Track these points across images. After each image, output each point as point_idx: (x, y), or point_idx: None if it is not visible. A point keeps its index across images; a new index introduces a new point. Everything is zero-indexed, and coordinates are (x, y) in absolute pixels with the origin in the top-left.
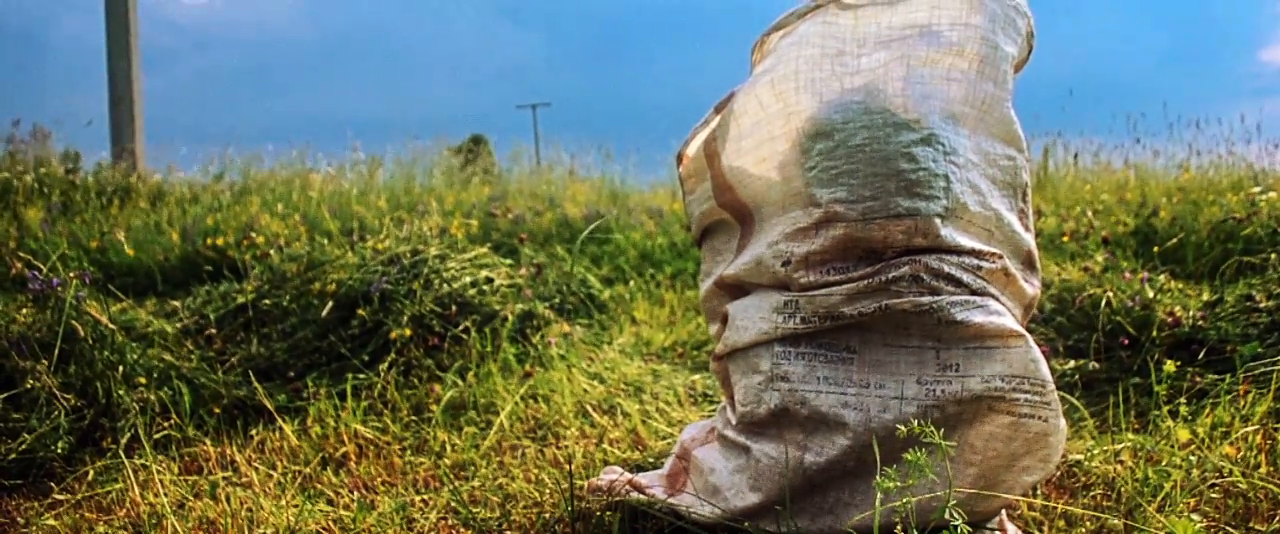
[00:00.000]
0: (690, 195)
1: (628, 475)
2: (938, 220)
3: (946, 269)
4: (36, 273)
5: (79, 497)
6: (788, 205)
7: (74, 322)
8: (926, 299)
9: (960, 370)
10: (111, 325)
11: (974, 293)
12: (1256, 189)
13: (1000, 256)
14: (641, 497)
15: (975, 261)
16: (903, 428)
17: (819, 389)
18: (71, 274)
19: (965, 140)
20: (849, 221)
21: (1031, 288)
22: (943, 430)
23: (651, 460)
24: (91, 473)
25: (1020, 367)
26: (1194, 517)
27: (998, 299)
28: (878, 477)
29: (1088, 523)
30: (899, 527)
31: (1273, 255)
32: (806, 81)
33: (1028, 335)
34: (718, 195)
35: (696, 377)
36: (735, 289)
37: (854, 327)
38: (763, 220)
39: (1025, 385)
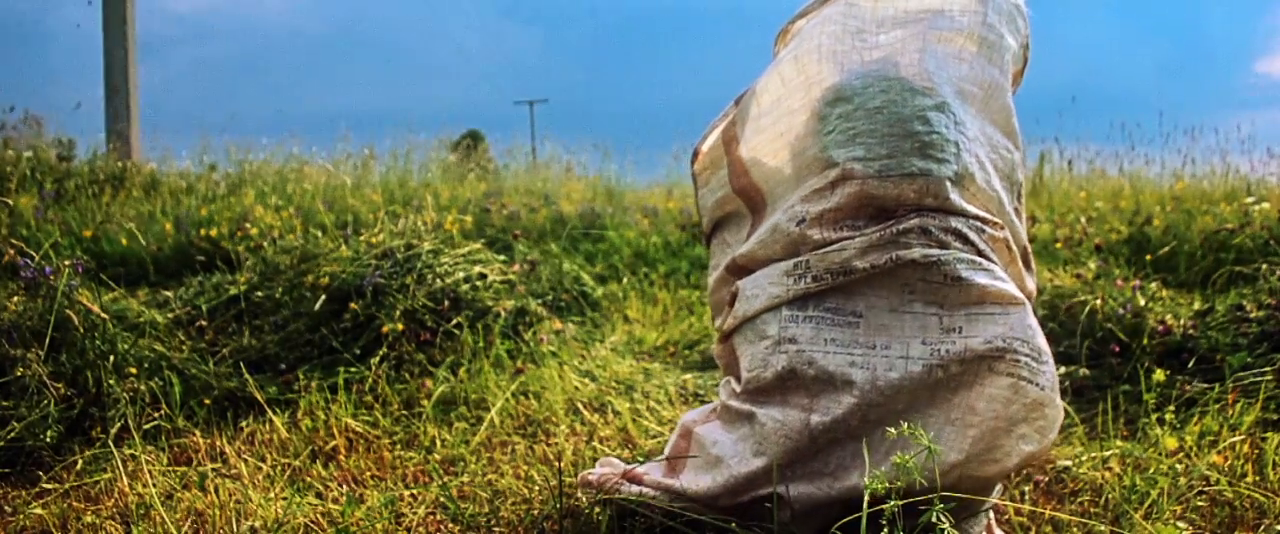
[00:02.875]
0: (703, 188)
1: (623, 466)
2: (948, 184)
3: (954, 224)
4: (29, 261)
5: (67, 486)
6: (803, 176)
7: (66, 310)
8: (935, 252)
9: (963, 333)
10: (103, 315)
11: (979, 254)
12: (1250, 199)
13: (1003, 227)
14: (632, 489)
15: (980, 226)
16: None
17: (827, 349)
18: (64, 262)
19: (972, 119)
20: (864, 179)
21: (1028, 283)
22: (945, 390)
23: (642, 458)
24: (80, 462)
25: (1020, 330)
26: (1180, 524)
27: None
28: (885, 431)
29: (1075, 529)
30: (893, 496)
31: (1264, 266)
32: (829, 53)
33: (1027, 303)
34: (733, 180)
35: (688, 376)
36: (744, 272)
37: (861, 289)
38: (775, 201)
39: (1024, 349)
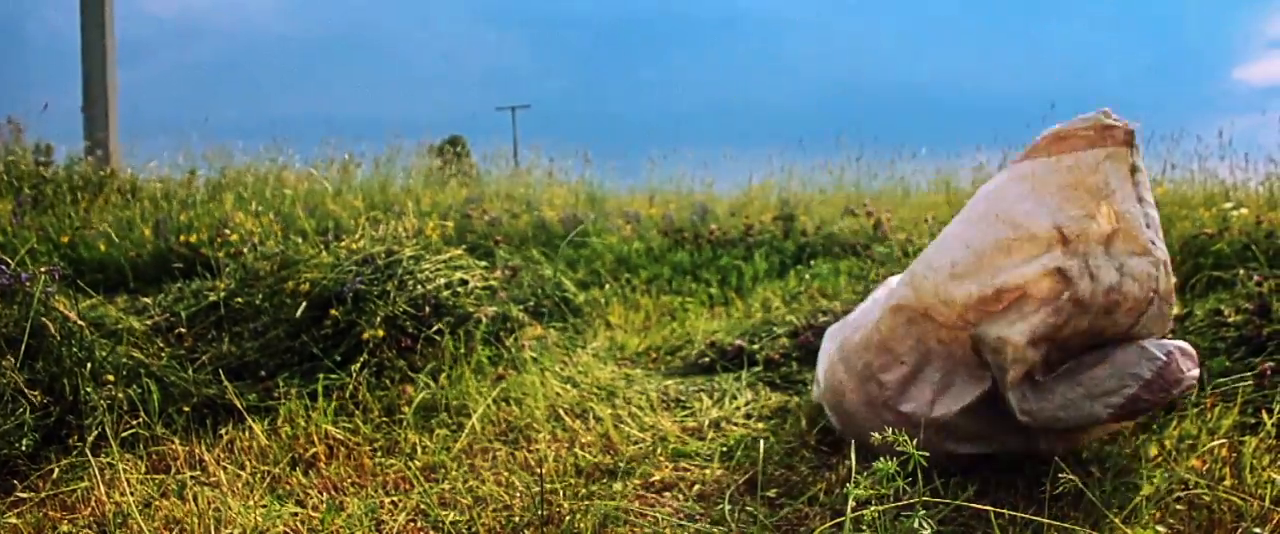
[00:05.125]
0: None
1: None
2: None
3: None
4: (4, 267)
5: (43, 495)
6: None
7: (42, 317)
8: None
9: None
10: (80, 322)
11: None
12: (1228, 205)
13: None
14: None
15: None
16: None
17: None
18: (40, 269)
19: None
20: None
21: None
22: None
23: (623, 465)
24: (56, 471)
25: None
26: (1159, 528)
27: None
28: None
29: (1055, 533)
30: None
31: (1242, 271)
32: None
33: None
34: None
35: (670, 381)
36: None
37: None
38: None
39: None
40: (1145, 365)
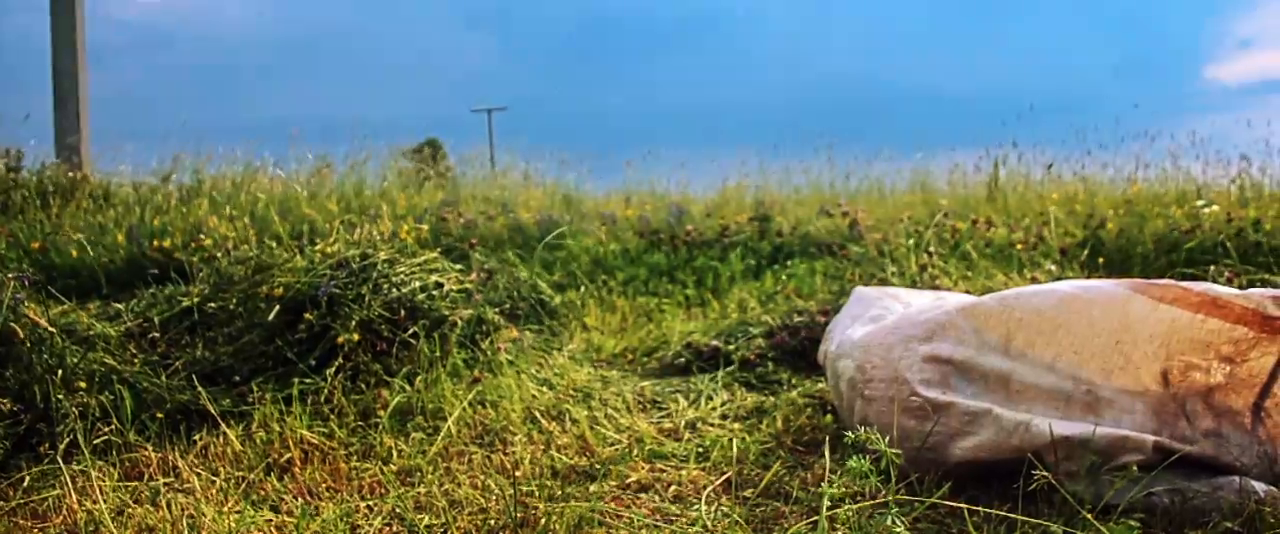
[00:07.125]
0: None
1: None
2: None
3: None
4: None
5: (14, 503)
6: None
7: (11, 324)
8: None
9: None
10: (50, 328)
11: None
12: (1200, 202)
13: None
14: None
15: None
16: None
17: None
18: (10, 275)
19: None
20: None
21: None
22: None
23: (600, 466)
24: (27, 479)
25: None
26: (1132, 524)
27: None
28: None
29: (1029, 528)
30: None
31: (1213, 267)
32: None
33: None
34: None
35: (646, 383)
36: None
37: None
38: None
39: None
40: None
